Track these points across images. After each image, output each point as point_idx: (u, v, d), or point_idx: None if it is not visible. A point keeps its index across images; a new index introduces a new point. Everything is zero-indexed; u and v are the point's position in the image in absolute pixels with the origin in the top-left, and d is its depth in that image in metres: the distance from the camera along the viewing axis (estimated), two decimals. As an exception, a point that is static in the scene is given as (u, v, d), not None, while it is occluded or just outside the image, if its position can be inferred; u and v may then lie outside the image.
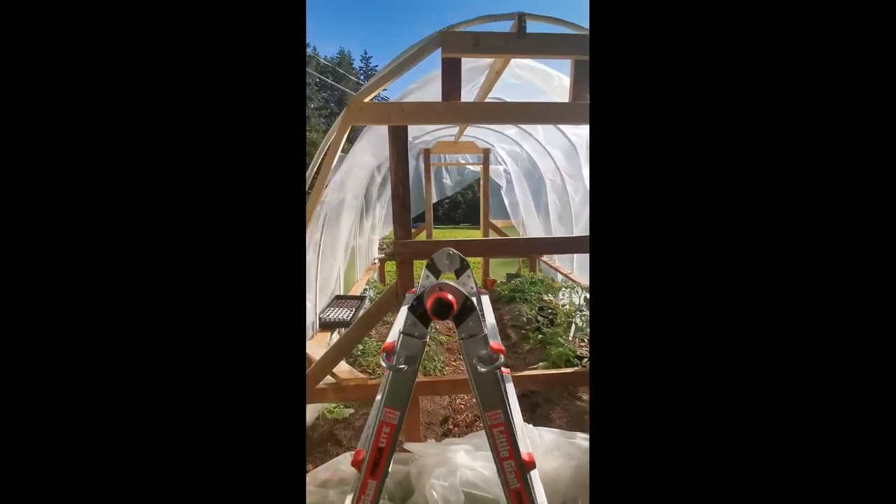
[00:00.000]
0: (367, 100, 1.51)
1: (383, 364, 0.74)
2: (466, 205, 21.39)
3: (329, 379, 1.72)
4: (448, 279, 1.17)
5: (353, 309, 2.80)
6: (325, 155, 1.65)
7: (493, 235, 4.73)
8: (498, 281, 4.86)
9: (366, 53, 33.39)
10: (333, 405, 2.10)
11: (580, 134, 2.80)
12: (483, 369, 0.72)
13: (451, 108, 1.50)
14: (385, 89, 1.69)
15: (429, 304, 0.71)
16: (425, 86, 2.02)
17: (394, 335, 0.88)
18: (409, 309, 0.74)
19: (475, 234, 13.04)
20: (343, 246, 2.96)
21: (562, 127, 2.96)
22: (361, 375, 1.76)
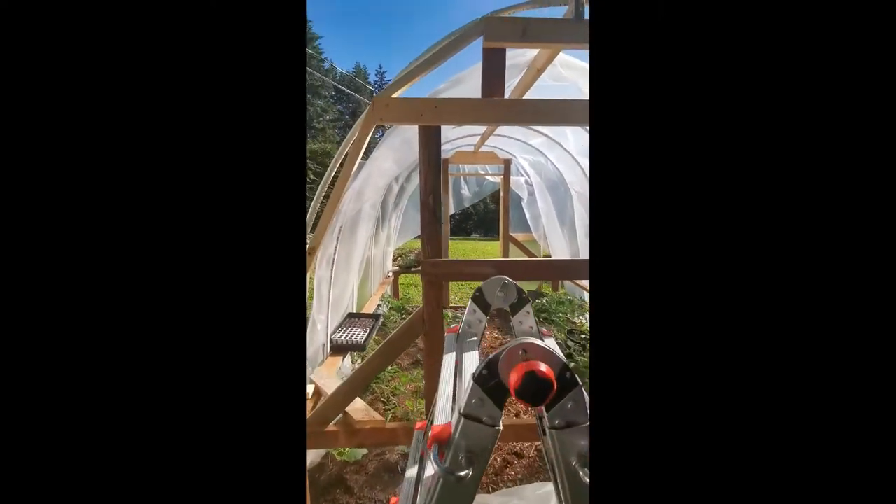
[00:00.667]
0: (395, 96, 1.30)
1: (434, 466, 0.49)
2: (478, 216, 21.26)
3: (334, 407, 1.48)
4: (470, 306, 0.92)
5: (368, 329, 2.56)
6: (345, 160, 1.44)
7: (513, 249, 4.49)
8: (518, 298, 4.57)
9: (380, 68, 33.96)
10: (344, 444, 1.85)
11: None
12: (589, 480, 0.46)
13: (494, 105, 1.27)
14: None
15: (513, 379, 0.46)
16: (455, 86, 1.81)
17: (442, 412, 0.63)
18: (477, 381, 0.49)
19: (487, 246, 12.81)
20: (358, 260, 2.74)
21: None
22: (378, 417, 1.50)
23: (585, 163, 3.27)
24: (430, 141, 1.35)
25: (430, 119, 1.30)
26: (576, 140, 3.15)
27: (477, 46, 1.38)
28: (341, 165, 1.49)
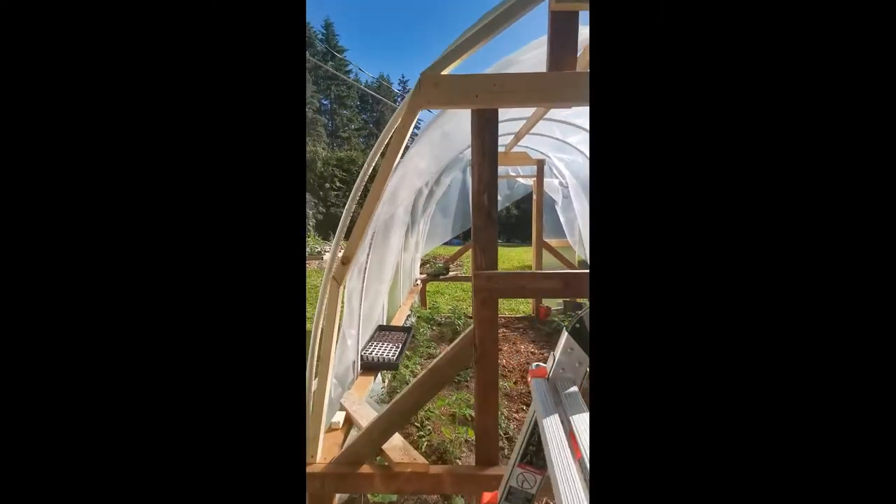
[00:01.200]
0: (445, 72, 1.07)
1: None
2: (500, 220, 20.88)
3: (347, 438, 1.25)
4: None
5: (399, 344, 2.35)
6: (385, 154, 1.23)
7: (546, 256, 4.18)
8: (552, 309, 4.24)
9: (403, 77, 34.34)
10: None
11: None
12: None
13: (568, 79, 1.03)
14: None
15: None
16: (507, 68, 1.57)
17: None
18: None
19: (513, 252, 12.40)
20: (391, 269, 2.54)
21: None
22: (420, 459, 1.26)
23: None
24: (485, 127, 1.12)
25: (487, 101, 1.07)
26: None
27: (536, 17, 1.15)
28: (380, 160, 1.28)
